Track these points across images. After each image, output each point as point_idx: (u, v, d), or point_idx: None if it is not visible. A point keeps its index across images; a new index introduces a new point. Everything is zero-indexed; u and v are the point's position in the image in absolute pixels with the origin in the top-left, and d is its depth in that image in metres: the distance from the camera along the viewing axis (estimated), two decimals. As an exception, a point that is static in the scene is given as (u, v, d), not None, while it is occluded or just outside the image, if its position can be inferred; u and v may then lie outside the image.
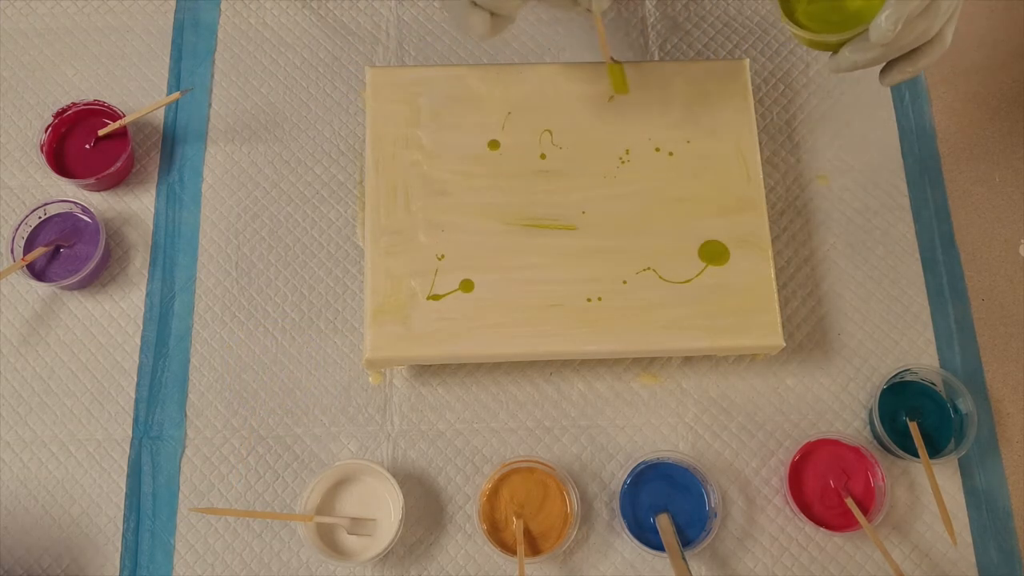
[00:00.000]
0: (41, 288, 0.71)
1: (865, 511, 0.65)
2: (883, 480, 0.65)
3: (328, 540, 0.64)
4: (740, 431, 0.69)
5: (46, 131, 0.72)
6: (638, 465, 0.65)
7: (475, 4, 0.56)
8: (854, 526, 0.64)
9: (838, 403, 0.70)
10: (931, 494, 0.66)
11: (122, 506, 0.66)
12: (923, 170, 0.76)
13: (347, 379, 0.69)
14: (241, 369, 0.69)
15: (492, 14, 0.56)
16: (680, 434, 0.69)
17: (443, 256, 0.65)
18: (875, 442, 0.68)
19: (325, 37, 0.79)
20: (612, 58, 0.66)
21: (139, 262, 0.72)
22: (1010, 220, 0.75)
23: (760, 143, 0.69)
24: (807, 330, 0.71)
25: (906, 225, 0.74)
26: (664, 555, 0.62)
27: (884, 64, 0.57)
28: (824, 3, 0.58)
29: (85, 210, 0.70)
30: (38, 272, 0.70)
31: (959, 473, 0.68)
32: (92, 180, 0.70)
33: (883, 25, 0.51)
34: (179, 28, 0.78)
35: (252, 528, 0.66)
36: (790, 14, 0.58)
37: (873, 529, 0.63)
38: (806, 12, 0.58)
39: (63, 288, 0.70)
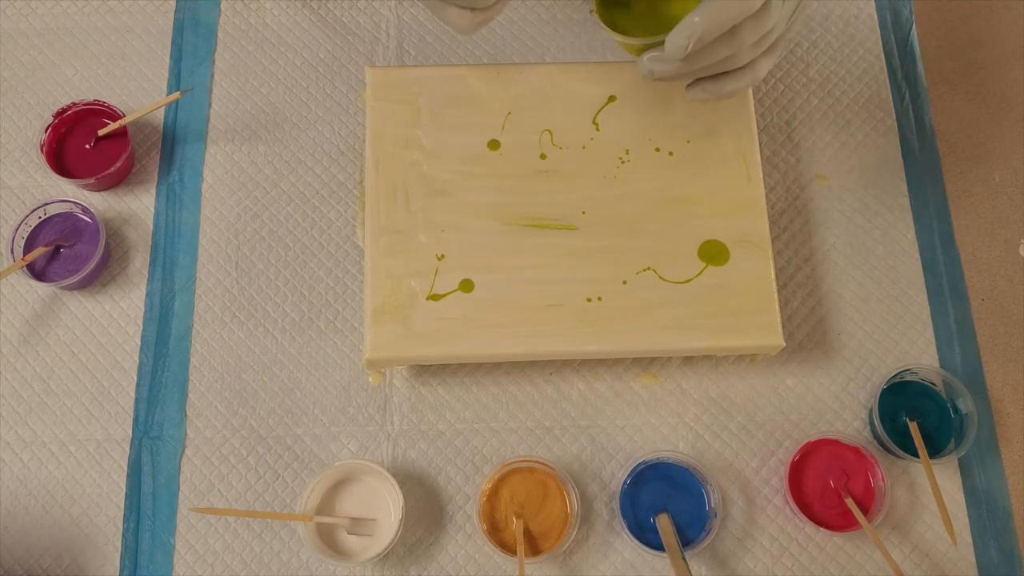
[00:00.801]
0: (41, 288, 0.71)
1: (865, 511, 0.65)
2: (883, 480, 0.65)
3: (328, 540, 0.64)
4: (740, 431, 0.69)
5: (46, 131, 0.72)
6: (638, 465, 0.65)
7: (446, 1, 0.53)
8: (854, 526, 0.64)
9: (838, 403, 0.70)
10: (931, 494, 0.66)
11: (122, 506, 0.66)
12: (923, 170, 0.76)
13: (347, 379, 0.69)
14: (241, 369, 0.69)
15: (471, 9, 0.53)
16: (680, 434, 0.69)
17: (443, 256, 0.65)
18: (875, 442, 0.68)
19: (325, 37, 0.78)
20: None
21: (139, 262, 0.72)
22: (1010, 220, 0.75)
23: (760, 143, 0.69)
24: (807, 330, 0.71)
25: (906, 225, 0.74)
26: (664, 555, 0.62)
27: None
28: (646, 6, 0.57)
29: (85, 210, 0.70)
30: (38, 272, 0.70)
31: (959, 473, 0.68)
32: (92, 180, 0.70)
33: (675, 40, 0.50)
34: (179, 28, 0.78)
35: (252, 528, 0.66)
36: (609, 15, 0.57)
37: (873, 529, 0.63)
38: (627, 15, 0.57)
39: (63, 288, 0.70)
